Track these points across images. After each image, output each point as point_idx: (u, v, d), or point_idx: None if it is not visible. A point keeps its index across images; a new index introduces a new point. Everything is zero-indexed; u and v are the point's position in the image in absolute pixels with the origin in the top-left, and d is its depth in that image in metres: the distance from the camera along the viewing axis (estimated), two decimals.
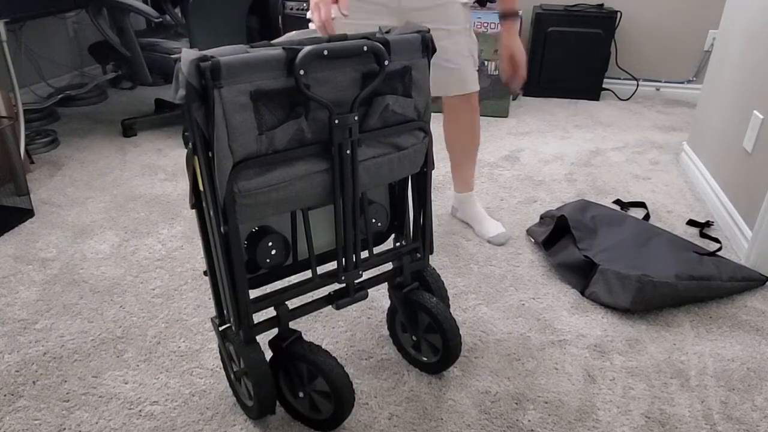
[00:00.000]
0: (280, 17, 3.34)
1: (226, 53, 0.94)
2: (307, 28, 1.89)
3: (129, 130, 2.79)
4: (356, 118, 1.06)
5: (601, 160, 2.59)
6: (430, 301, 1.28)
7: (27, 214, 2.04)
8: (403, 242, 1.34)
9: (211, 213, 1.02)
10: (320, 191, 1.07)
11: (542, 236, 1.83)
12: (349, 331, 1.50)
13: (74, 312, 1.56)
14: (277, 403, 1.24)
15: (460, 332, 1.29)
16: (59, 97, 3.14)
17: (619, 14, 3.29)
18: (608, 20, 3.24)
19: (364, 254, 1.24)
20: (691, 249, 1.75)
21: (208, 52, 0.93)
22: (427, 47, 1.14)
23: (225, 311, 1.14)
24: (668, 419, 1.25)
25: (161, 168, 2.45)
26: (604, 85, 3.45)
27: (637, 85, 3.51)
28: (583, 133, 2.94)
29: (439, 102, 1.82)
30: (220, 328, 1.18)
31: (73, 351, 1.43)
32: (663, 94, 3.53)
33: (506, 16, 1.69)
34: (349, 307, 1.54)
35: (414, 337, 1.36)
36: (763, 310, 1.61)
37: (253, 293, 1.13)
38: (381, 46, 1.05)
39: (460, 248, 1.88)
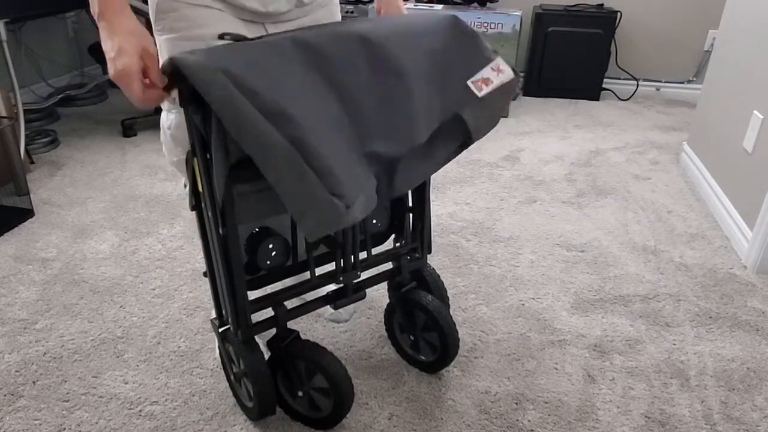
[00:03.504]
0: None
1: None
2: None
3: (129, 130, 2.79)
4: None
5: (601, 160, 2.59)
6: (426, 299, 1.28)
7: (27, 214, 2.04)
8: (403, 242, 1.34)
9: (210, 214, 1.02)
10: None
11: None
12: (349, 331, 1.50)
13: (74, 312, 1.56)
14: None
15: (458, 330, 1.29)
16: (59, 97, 3.14)
17: (619, 14, 3.29)
18: (608, 20, 3.24)
19: (363, 254, 1.24)
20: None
21: None
22: None
23: (224, 312, 1.14)
24: (668, 419, 1.25)
25: (161, 168, 2.45)
26: (604, 85, 3.45)
27: (637, 85, 3.51)
28: (583, 133, 2.93)
29: None
30: (220, 330, 1.18)
31: (73, 351, 1.43)
32: (663, 94, 3.53)
33: None
34: (348, 307, 1.54)
35: (412, 337, 1.36)
36: (763, 310, 1.61)
37: (252, 294, 1.13)
38: None
39: (459, 248, 1.88)
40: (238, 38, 0.95)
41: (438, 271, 1.40)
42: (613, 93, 3.52)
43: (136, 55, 0.91)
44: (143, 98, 0.93)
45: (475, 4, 3.18)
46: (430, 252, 1.34)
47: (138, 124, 2.82)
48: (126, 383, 1.33)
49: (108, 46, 0.91)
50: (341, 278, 1.19)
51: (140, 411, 1.26)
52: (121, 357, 1.41)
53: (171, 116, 1.15)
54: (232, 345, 1.16)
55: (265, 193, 1.02)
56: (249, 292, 1.10)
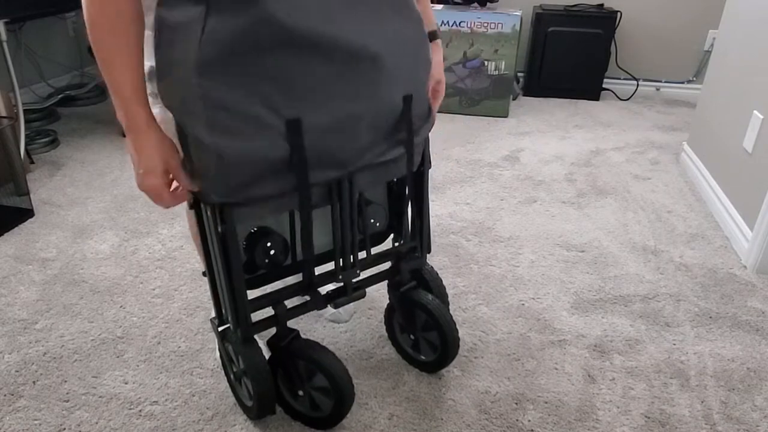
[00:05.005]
0: None
1: None
2: None
3: None
4: None
5: (601, 160, 2.59)
6: (426, 298, 1.28)
7: (27, 214, 2.04)
8: (402, 241, 1.34)
9: (209, 214, 1.02)
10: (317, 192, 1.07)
11: None
12: (349, 331, 1.50)
13: (74, 312, 1.56)
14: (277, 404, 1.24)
15: (458, 329, 1.29)
16: (59, 97, 3.14)
17: (619, 14, 3.29)
18: (608, 20, 3.24)
19: (362, 254, 1.24)
20: None
21: None
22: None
23: (224, 311, 1.14)
24: (668, 419, 1.25)
25: None
26: (604, 85, 3.45)
27: (637, 85, 3.51)
28: (583, 133, 2.94)
29: None
30: (220, 329, 1.18)
31: (73, 351, 1.43)
32: (663, 94, 3.53)
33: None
34: (348, 307, 1.54)
35: (412, 336, 1.36)
36: (763, 310, 1.61)
37: (252, 293, 1.13)
38: None
39: (459, 248, 1.88)
40: None
41: (438, 271, 1.40)
42: (613, 93, 3.52)
43: (162, 175, 0.96)
44: (174, 203, 1.01)
45: (475, 4, 3.18)
46: (429, 251, 1.34)
47: None
48: (126, 383, 1.33)
49: (134, 160, 0.96)
50: (340, 276, 1.19)
51: (140, 411, 1.26)
52: (121, 357, 1.41)
53: (155, 110, 1.14)
54: (232, 344, 1.16)
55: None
56: (248, 291, 1.10)
